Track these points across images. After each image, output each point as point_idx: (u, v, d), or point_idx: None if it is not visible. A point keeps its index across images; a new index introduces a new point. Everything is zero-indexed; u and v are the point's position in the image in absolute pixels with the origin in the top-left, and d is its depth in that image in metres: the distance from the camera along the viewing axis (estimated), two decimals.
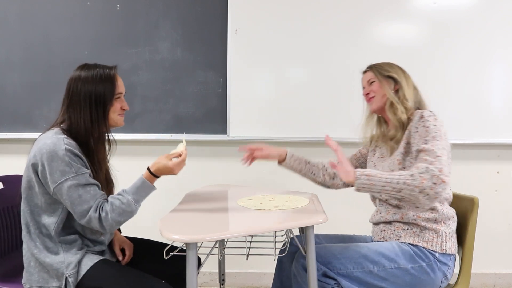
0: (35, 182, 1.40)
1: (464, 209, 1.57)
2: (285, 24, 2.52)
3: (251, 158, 1.83)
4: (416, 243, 1.49)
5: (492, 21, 2.52)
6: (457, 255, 1.55)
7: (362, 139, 1.81)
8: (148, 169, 1.45)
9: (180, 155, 1.48)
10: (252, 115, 2.55)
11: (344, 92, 2.53)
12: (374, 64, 1.72)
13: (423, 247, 1.48)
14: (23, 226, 1.46)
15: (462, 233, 1.56)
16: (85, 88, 1.43)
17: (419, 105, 1.63)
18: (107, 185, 1.55)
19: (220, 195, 1.80)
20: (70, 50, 2.52)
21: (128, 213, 1.39)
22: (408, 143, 1.54)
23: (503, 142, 2.57)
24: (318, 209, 1.48)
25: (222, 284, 1.99)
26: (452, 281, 1.55)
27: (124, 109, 1.52)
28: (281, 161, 1.85)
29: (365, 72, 1.74)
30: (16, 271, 1.50)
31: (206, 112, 2.57)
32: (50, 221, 1.42)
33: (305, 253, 1.36)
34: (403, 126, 1.58)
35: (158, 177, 1.46)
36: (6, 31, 2.52)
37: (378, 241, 1.62)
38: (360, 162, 1.85)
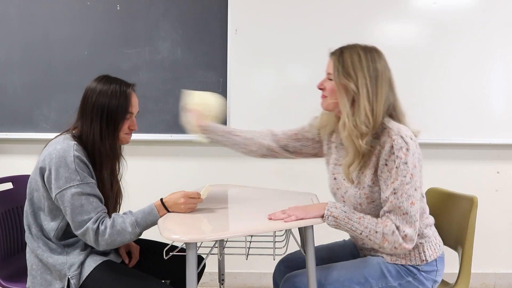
0: (40, 186, 1.40)
1: (464, 209, 1.57)
2: (285, 24, 2.51)
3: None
4: (394, 262, 1.40)
5: (492, 21, 2.51)
6: (442, 249, 1.48)
7: (311, 124, 1.56)
8: (161, 199, 1.43)
9: (198, 197, 1.45)
10: (252, 115, 2.55)
11: None
12: (342, 51, 1.36)
13: (404, 264, 1.40)
14: (25, 227, 1.46)
15: (461, 233, 1.56)
16: (98, 101, 1.42)
17: (392, 110, 1.37)
18: (113, 201, 1.53)
19: (220, 195, 1.80)
20: (70, 50, 2.52)
21: (127, 233, 1.35)
22: (375, 172, 1.33)
23: (503, 142, 2.57)
24: None
25: (222, 284, 1.98)
26: (452, 281, 1.55)
27: (131, 129, 1.52)
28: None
29: (332, 54, 1.40)
30: (25, 272, 1.50)
31: None
32: (51, 226, 1.42)
33: (305, 253, 1.36)
34: (360, 153, 1.31)
35: (167, 209, 1.42)
36: (6, 31, 2.52)
37: (360, 249, 1.56)
38: (299, 144, 1.61)
